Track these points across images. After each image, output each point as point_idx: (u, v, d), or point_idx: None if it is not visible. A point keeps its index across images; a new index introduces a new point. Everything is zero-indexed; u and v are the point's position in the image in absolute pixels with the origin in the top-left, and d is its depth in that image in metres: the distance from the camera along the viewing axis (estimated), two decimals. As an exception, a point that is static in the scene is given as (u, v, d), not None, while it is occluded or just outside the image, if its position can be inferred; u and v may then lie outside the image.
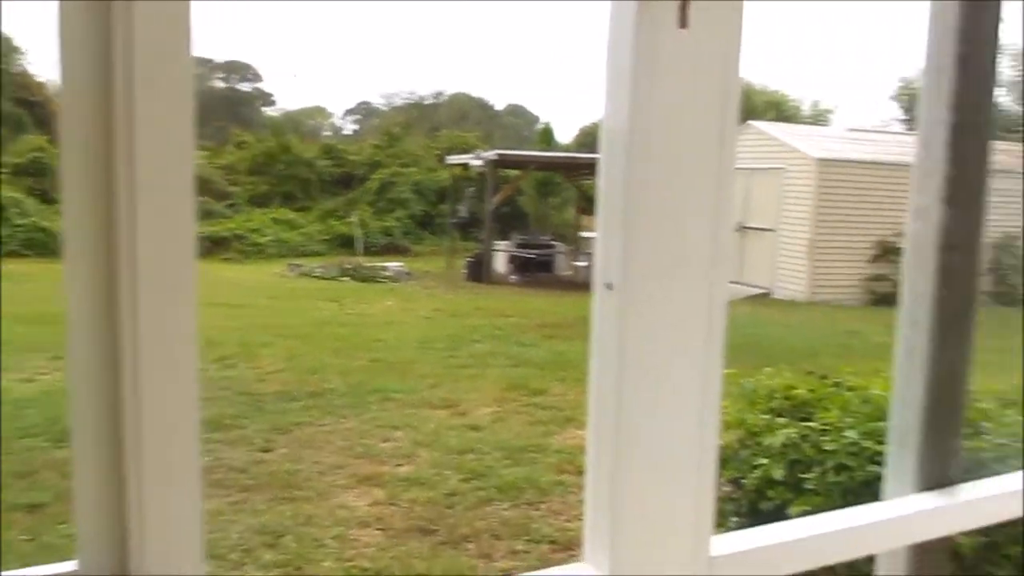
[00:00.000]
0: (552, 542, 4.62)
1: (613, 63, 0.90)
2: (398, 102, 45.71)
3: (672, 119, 0.90)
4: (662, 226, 0.91)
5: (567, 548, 4.49)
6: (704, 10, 0.89)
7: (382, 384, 7.70)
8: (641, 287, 0.91)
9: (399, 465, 5.72)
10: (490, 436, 6.35)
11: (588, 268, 17.14)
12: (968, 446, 1.34)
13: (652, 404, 0.94)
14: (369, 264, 17.31)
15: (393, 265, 17.35)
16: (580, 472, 5.68)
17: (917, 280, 1.35)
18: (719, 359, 0.98)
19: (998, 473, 1.46)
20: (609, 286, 0.91)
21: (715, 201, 0.94)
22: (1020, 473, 1.47)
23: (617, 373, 0.91)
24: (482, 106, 46.67)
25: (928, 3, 1.30)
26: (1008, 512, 1.43)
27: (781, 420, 2.24)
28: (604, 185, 0.92)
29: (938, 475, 1.36)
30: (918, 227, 1.34)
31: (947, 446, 1.36)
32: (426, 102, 45.54)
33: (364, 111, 48.26)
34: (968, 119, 1.29)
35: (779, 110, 29.00)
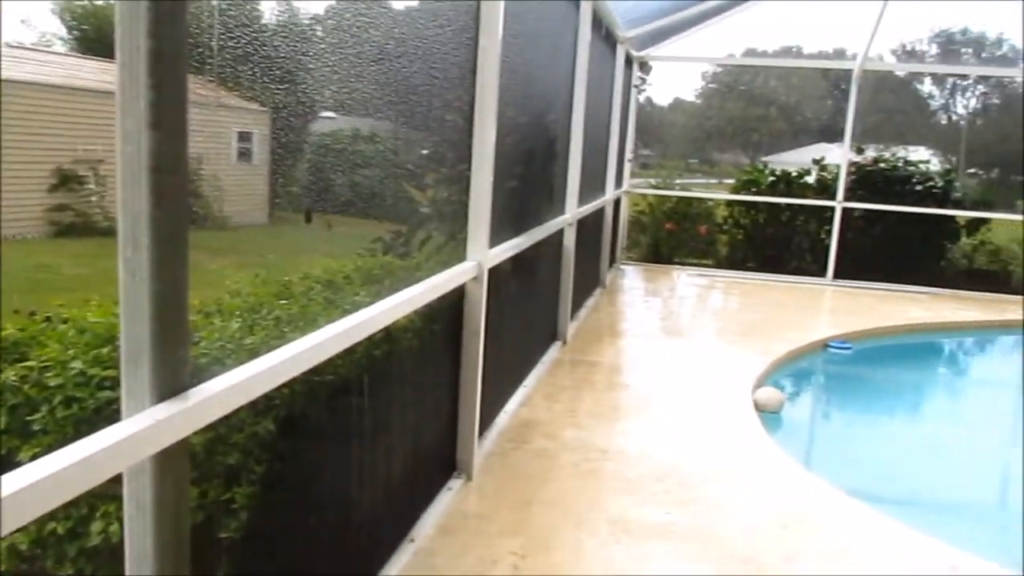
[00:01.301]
0: None
1: None
2: None
3: None
4: None
5: None
6: None
7: None
8: None
9: None
10: None
11: None
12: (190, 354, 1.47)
13: None
14: None
15: None
16: None
17: (131, 201, 1.38)
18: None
19: (218, 374, 1.64)
20: None
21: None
22: (237, 370, 1.68)
23: None
24: None
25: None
26: (231, 405, 1.62)
27: (-7, 366, 2.05)
28: None
29: (172, 384, 1.45)
30: (128, 150, 1.37)
31: (177, 356, 1.46)
32: None
33: None
34: (166, 48, 1.36)
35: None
